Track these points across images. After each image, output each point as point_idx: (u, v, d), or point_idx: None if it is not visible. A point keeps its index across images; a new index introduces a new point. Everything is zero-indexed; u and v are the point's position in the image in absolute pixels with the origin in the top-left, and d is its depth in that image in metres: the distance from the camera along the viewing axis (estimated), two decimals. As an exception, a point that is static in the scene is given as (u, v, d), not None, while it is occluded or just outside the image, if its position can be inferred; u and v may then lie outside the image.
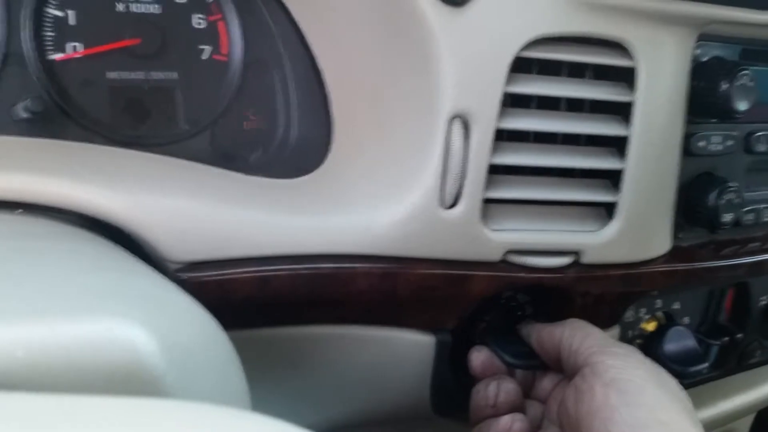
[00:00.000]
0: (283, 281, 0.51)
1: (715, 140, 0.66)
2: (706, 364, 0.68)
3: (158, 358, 0.28)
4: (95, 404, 0.23)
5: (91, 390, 0.25)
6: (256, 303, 0.51)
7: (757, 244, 0.72)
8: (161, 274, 0.40)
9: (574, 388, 0.49)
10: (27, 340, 0.25)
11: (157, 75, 0.58)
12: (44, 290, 0.30)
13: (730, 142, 0.67)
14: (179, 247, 0.48)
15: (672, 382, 0.49)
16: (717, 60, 0.64)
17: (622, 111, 0.57)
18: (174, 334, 0.30)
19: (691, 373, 0.66)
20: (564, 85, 0.55)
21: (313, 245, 0.52)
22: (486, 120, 0.52)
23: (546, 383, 0.57)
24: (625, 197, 0.57)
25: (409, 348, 0.59)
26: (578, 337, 0.52)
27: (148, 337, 0.28)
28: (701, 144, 0.65)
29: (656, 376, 0.48)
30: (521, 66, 0.53)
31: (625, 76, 0.56)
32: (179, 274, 0.48)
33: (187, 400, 0.28)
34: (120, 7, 0.56)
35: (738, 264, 0.70)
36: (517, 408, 0.56)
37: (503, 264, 0.57)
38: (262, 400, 0.38)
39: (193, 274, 0.49)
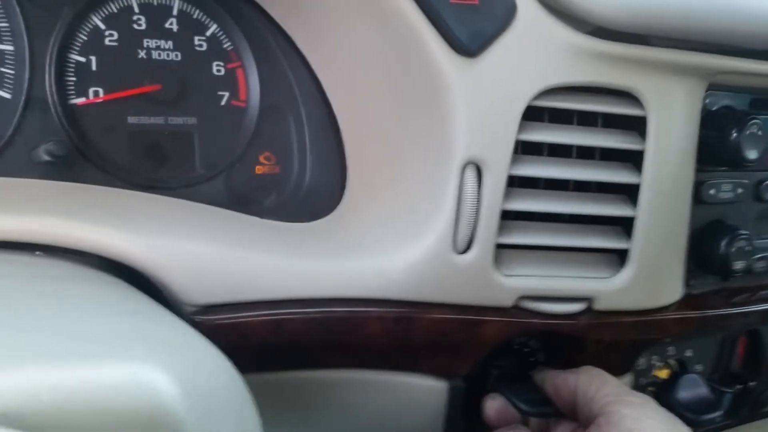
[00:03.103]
0: (297, 325, 0.51)
1: (725, 188, 0.66)
2: (719, 412, 0.67)
3: (180, 403, 0.28)
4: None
5: (114, 433, 0.26)
6: (271, 346, 0.51)
7: (768, 291, 0.72)
8: (178, 317, 0.40)
9: (590, 437, 0.49)
10: (52, 384, 0.25)
11: (176, 120, 0.59)
12: (67, 334, 0.31)
13: (740, 190, 0.67)
14: (195, 290, 0.48)
15: (686, 431, 0.49)
16: (726, 109, 0.65)
17: (632, 159, 0.57)
18: (194, 379, 0.30)
19: (704, 422, 0.66)
20: (575, 133, 0.56)
21: (326, 289, 0.52)
22: (498, 167, 0.53)
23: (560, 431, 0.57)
24: (637, 244, 0.57)
25: (422, 394, 0.59)
26: (594, 385, 0.52)
27: (171, 382, 0.28)
28: (712, 192, 0.65)
29: (671, 425, 0.48)
30: (533, 114, 0.54)
31: (636, 125, 0.57)
32: (194, 317, 0.49)
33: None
34: (141, 54, 0.58)
35: (750, 311, 0.69)
36: (531, 457, 0.56)
37: (516, 310, 0.57)
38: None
39: (208, 317, 0.49)
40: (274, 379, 0.53)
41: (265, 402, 0.39)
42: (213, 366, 0.34)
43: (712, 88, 0.61)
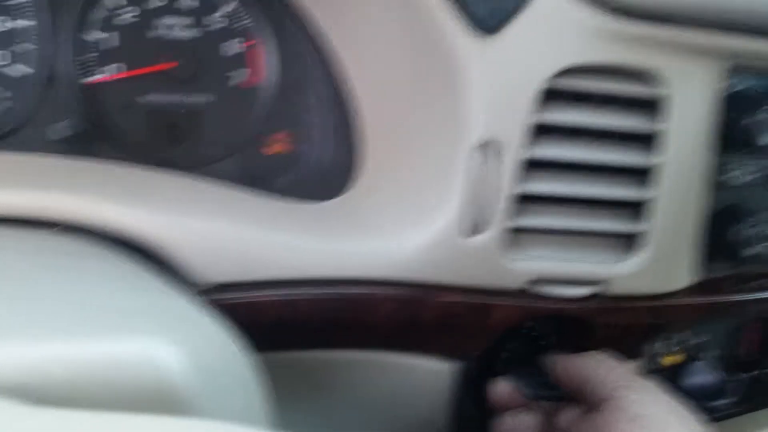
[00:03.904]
0: (309, 304, 0.52)
1: (743, 172, 0.65)
2: (729, 399, 0.67)
3: (189, 379, 0.28)
4: (128, 422, 0.24)
5: (124, 407, 0.26)
6: (282, 326, 0.51)
7: (783, 277, 0.71)
8: (190, 295, 0.41)
9: (597, 423, 0.49)
10: (64, 357, 0.26)
11: (193, 98, 0.59)
12: (78, 309, 0.31)
13: (757, 174, 0.66)
14: (208, 269, 0.49)
15: (694, 418, 0.49)
16: (748, 91, 0.64)
17: (650, 141, 0.57)
18: (203, 356, 0.31)
19: (714, 408, 0.66)
20: (593, 114, 0.55)
21: (339, 269, 0.52)
22: (512, 148, 0.52)
23: (568, 416, 0.57)
24: (652, 228, 0.57)
25: (430, 375, 0.59)
26: (602, 370, 0.52)
27: (180, 358, 0.28)
28: (729, 176, 0.64)
29: (679, 411, 0.48)
30: (549, 94, 0.53)
31: (654, 107, 0.56)
32: (206, 295, 0.49)
33: (214, 420, 0.29)
34: (160, 31, 0.58)
35: (764, 297, 0.69)
36: (539, 442, 0.56)
37: (526, 293, 0.57)
38: (283, 422, 0.39)
39: (219, 296, 0.49)
40: (283, 359, 0.54)
41: (273, 381, 0.39)
42: (223, 344, 0.35)
43: (734, 69, 0.60)
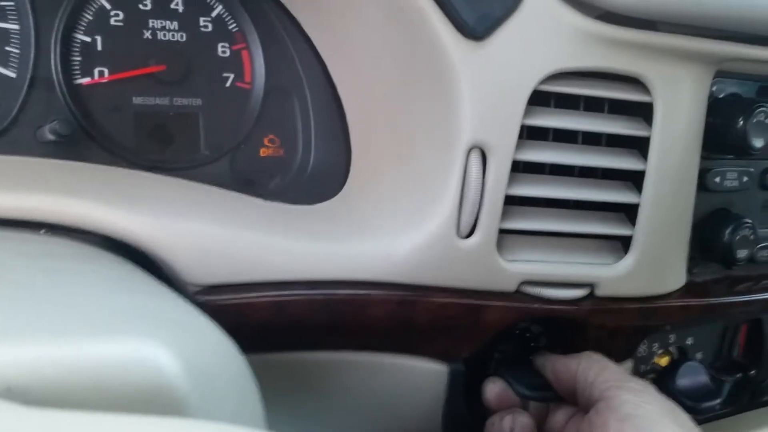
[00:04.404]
0: (300, 306, 0.51)
1: (730, 176, 0.66)
2: (718, 400, 0.67)
3: (182, 380, 0.28)
4: (120, 422, 0.23)
5: (116, 408, 0.26)
6: (273, 327, 0.51)
7: (771, 280, 0.72)
8: (181, 297, 0.41)
9: (589, 423, 0.49)
10: (56, 358, 0.26)
11: (181, 101, 0.59)
12: (71, 310, 0.31)
13: (745, 179, 0.67)
14: (198, 270, 0.49)
15: (685, 418, 0.49)
16: (734, 97, 0.65)
17: (638, 145, 0.57)
18: (196, 356, 0.30)
19: (703, 409, 0.66)
20: (581, 118, 0.55)
21: (330, 271, 0.52)
22: (503, 151, 0.53)
23: (560, 416, 0.57)
24: (641, 231, 0.57)
25: (423, 376, 0.59)
26: (594, 370, 0.52)
27: (173, 359, 0.28)
28: (717, 180, 0.65)
29: (670, 412, 0.48)
30: (539, 99, 0.53)
31: (642, 111, 0.57)
32: (197, 297, 0.49)
33: (207, 421, 0.29)
34: (146, 34, 0.58)
35: (752, 300, 0.69)
36: (531, 442, 0.56)
37: (518, 294, 0.57)
38: (276, 423, 0.39)
39: (211, 297, 0.49)
40: (276, 360, 0.54)
41: (266, 382, 0.39)
42: (215, 345, 0.35)
43: (720, 75, 0.61)
